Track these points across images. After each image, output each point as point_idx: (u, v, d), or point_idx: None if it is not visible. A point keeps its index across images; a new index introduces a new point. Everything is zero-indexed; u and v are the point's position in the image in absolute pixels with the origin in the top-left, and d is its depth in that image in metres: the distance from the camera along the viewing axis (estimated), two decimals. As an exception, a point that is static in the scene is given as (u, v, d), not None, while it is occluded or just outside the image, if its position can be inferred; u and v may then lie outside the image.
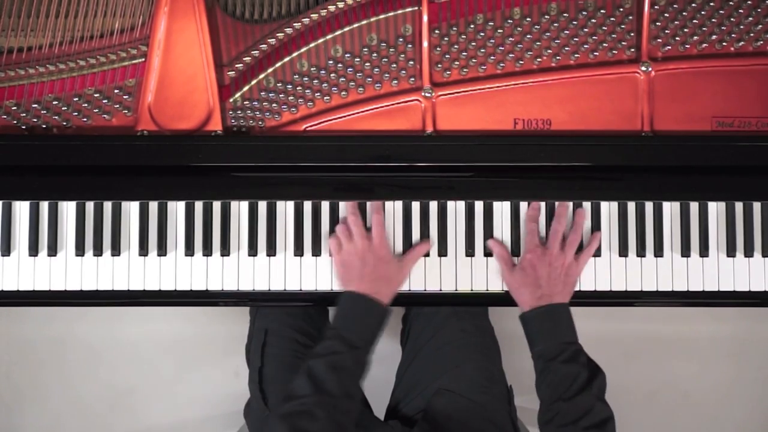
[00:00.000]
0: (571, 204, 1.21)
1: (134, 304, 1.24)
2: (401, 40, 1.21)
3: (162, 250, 1.20)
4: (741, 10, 1.21)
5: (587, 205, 1.21)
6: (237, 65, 1.20)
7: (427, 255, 1.21)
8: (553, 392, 1.06)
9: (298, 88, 1.21)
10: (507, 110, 1.21)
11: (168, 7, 1.19)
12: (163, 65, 1.20)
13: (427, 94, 1.20)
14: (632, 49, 1.21)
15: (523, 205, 1.21)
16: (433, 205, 1.21)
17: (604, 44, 1.21)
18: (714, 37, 1.21)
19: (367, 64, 1.20)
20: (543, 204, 1.21)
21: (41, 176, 1.19)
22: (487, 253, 1.21)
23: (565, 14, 1.20)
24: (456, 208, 1.21)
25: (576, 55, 1.21)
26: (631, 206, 1.22)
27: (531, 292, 1.13)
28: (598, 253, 1.21)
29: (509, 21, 1.20)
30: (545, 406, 1.08)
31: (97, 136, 1.20)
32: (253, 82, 1.20)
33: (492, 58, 1.21)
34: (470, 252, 1.21)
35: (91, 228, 1.21)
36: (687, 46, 1.21)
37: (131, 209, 1.21)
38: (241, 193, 1.20)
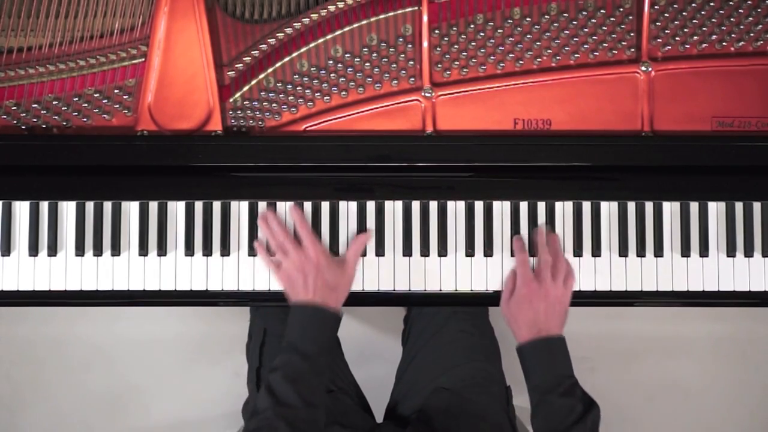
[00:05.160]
0: (543, 230, 1.20)
1: (134, 304, 1.24)
2: (401, 40, 1.21)
3: (162, 250, 1.20)
4: (741, 10, 1.21)
5: (587, 205, 1.21)
6: (237, 65, 1.20)
7: (427, 255, 1.21)
8: (547, 425, 1.07)
9: (298, 88, 1.21)
10: (507, 110, 1.21)
11: (168, 7, 1.19)
12: (163, 65, 1.20)
13: (427, 94, 1.20)
14: (632, 49, 1.21)
15: (523, 205, 1.21)
16: (433, 205, 1.21)
17: (604, 44, 1.21)
18: (714, 37, 1.21)
19: (367, 64, 1.20)
20: (543, 204, 1.21)
21: (41, 176, 1.19)
22: (487, 254, 1.21)
23: (565, 14, 1.20)
24: (456, 208, 1.21)
25: (576, 55, 1.21)
26: (631, 206, 1.22)
27: (529, 327, 1.13)
28: (598, 253, 1.21)
29: (509, 21, 1.20)
30: None
31: (97, 136, 1.20)
32: (253, 82, 1.20)
33: (492, 58, 1.21)
34: (470, 252, 1.21)
35: (91, 228, 1.21)
36: (687, 46, 1.21)
37: (131, 209, 1.21)
38: (241, 193, 1.21)
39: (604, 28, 1.21)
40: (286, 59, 1.20)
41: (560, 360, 1.11)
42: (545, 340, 1.12)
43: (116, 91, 1.20)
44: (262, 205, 1.21)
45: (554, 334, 1.12)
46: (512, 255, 1.20)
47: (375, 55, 1.21)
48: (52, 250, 1.20)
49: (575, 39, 1.21)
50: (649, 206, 1.22)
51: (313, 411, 1.05)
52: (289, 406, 1.03)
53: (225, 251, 1.20)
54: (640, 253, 1.21)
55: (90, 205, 1.21)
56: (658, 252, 1.21)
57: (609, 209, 1.22)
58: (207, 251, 1.21)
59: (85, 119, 1.20)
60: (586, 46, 1.21)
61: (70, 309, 1.84)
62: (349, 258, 1.17)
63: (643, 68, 1.21)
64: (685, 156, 1.19)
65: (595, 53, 1.21)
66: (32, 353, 1.92)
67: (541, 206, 1.21)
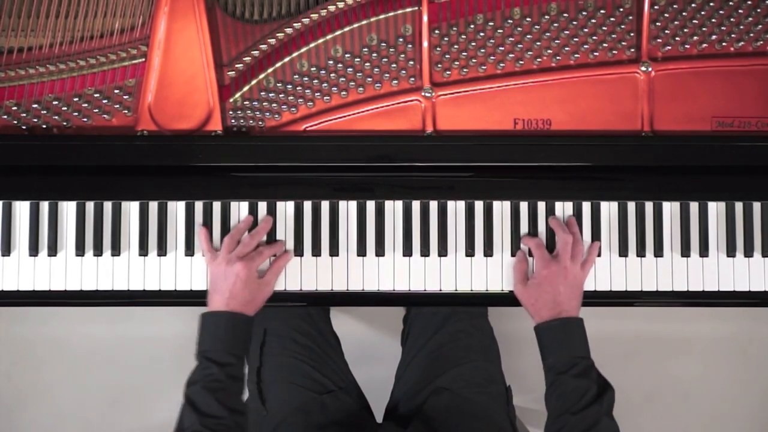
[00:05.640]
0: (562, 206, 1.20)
1: (134, 304, 1.24)
2: (401, 40, 1.21)
3: (162, 250, 1.20)
4: (741, 11, 1.21)
5: (587, 205, 1.21)
6: (237, 65, 1.20)
7: (427, 255, 1.21)
8: (561, 405, 1.07)
9: (298, 88, 1.21)
10: (507, 110, 1.21)
11: (168, 7, 1.19)
12: (163, 65, 1.20)
13: (427, 94, 1.20)
14: (632, 49, 1.21)
15: (523, 205, 1.21)
16: (433, 205, 1.21)
17: (604, 44, 1.21)
18: (714, 37, 1.21)
19: (367, 64, 1.20)
20: (543, 204, 1.21)
21: (41, 176, 1.19)
22: (487, 254, 1.21)
23: (565, 14, 1.20)
24: (456, 208, 1.21)
25: (576, 55, 1.21)
26: (631, 206, 1.22)
27: (550, 308, 1.12)
28: (598, 254, 1.21)
29: (509, 21, 1.20)
30: (552, 418, 1.08)
31: (97, 136, 1.20)
32: (253, 82, 1.20)
33: (492, 58, 1.21)
34: (470, 252, 1.21)
35: (91, 228, 1.21)
36: (687, 46, 1.21)
37: (131, 209, 1.21)
38: (241, 193, 1.21)
39: (604, 28, 1.21)
40: (286, 59, 1.20)
41: (578, 341, 1.11)
42: (564, 320, 1.11)
43: (116, 91, 1.20)
44: (262, 205, 1.21)
45: (573, 315, 1.12)
46: (512, 255, 1.20)
47: (375, 55, 1.21)
48: (53, 250, 1.20)
49: (575, 39, 1.21)
50: (649, 206, 1.22)
51: (238, 418, 1.06)
52: (214, 416, 1.03)
53: (225, 251, 1.20)
54: (640, 253, 1.21)
55: (90, 205, 1.21)
56: (658, 252, 1.21)
57: (609, 209, 1.22)
58: (207, 251, 1.20)
59: (85, 119, 1.20)
60: (586, 46, 1.21)
61: (70, 309, 1.84)
62: (269, 279, 1.17)
63: (643, 68, 1.21)
64: (685, 156, 1.19)
65: (595, 53, 1.21)
66: (32, 353, 1.92)
67: (541, 206, 1.21)
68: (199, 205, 1.21)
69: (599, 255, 1.21)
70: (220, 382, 1.06)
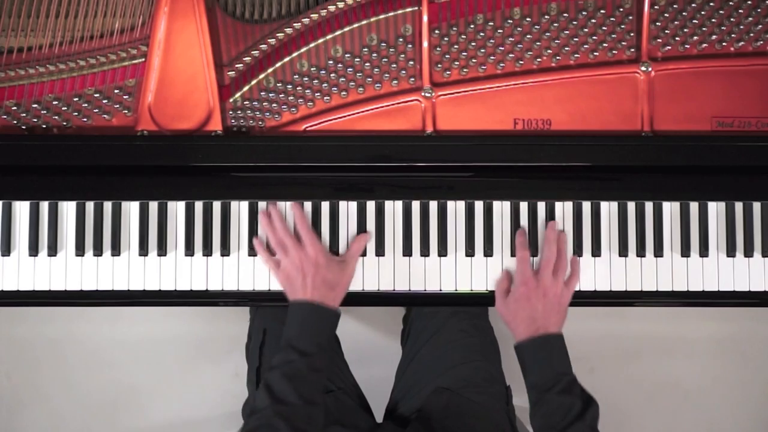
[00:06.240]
0: (555, 226, 1.20)
1: (134, 304, 1.24)
2: (401, 40, 1.21)
3: (162, 250, 1.20)
4: (741, 10, 1.21)
5: (587, 205, 1.21)
6: (237, 65, 1.20)
7: (427, 255, 1.21)
8: (546, 423, 1.07)
9: (298, 88, 1.21)
10: (507, 110, 1.21)
11: (168, 7, 1.19)
12: (163, 65, 1.20)
13: (427, 94, 1.20)
14: (632, 49, 1.21)
15: (523, 205, 1.21)
16: (433, 205, 1.21)
17: (604, 44, 1.21)
18: (714, 37, 1.21)
19: (367, 64, 1.20)
20: (543, 204, 1.21)
21: (41, 176, 1.19)
22: (487, 254, 1.21)
23: (565, 14, 1.20)
24: (456, 208, 1.21)
25: (576, 55, 1.21)
26: (631, 206, 1.22)
27: (527, 325, 1.13)
28: (598, 253, 1.21)
29: (509, 21, 1.20)
30: None
31: (97, 136, 1.20)
32: (253, 82, 1.20)
33: (492, 58, 1.21)
34: (470, 252, 1.21)
35: (91, 228, 1.21)
36: (687, 46, 1.21)
37: (131, 209, 1.21)
38: (241, 193, 1.21)
39: (604, 28, 1.21)
40: (286, 59, 1.20)
41: (558, 358, 1.11)
42: (543, 338, 1.12)
43: (116, 91, 1.20)
44: (262, 205, 1.21)
45: (552, 332, 1.12)
46: (512, 255, 1.20)
47: (375, 55, 1.21)
48: (52, 250, 1.20)
49: (575, 39, 1.21)
50: (649, 206, 1.22)
51: (312, 409, 1.05)
52: (288, 404, 1.03)
53: (225, 251, 1.20)
54: (640, 253, 1.21)
55: (90, 205, 1.21)
56: (658, 252, 1.21)
57: (609, 209, 1.22)
58: (207, 251, 1.21)
59: (85, 119, 1.20)
60: (586, 46, 1.21)
61: (70, 309, 1.84)
62: (350, 257, 1.17)
63: (643, 68, 1.21)
64: (685, 156, 1.19)
65: (595, 53, 1.21)
66: (32, 353, 1.92)
67: (541, 206, 1.21)
68: (199, 205, 1.21)
69: (599, 255, 1.21)
70: (299, 370, 1.06)
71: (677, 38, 1.21)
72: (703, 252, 1.21)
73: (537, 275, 1.15)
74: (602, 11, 1.21)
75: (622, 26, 1.21)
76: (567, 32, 1.21)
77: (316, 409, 1.06)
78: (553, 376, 1.09)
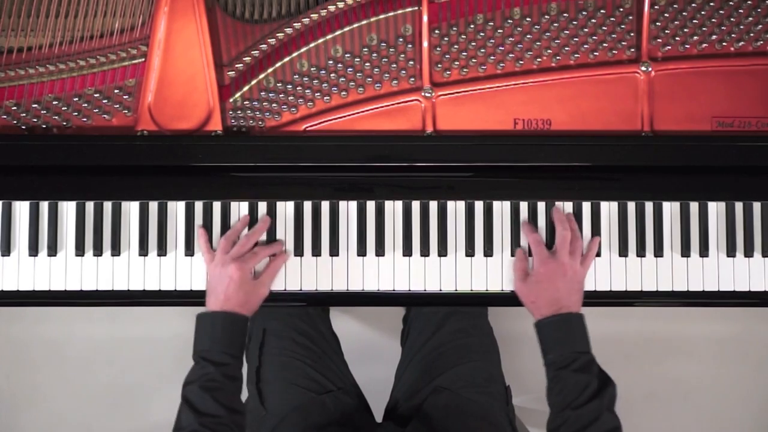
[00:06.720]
0: (562, 205, 1.20)
1: (134, 304, 1.24)
2: (401, 40, 1.21)
3: (162, 250, 1.20)
4: (741, 10, 1.21)
5: (587, 205, 1.21)
6: (237, 65, 1.20)
7: (427, 255, 1.21)
8: (562, 400, 1.06)
9: (298, 88, 1.21)
10: (507, 110, 1.21)
11: (168, 7, 1.19)
12: (163, 65, 1.20)
13: (427, 94, 1.20)
14: (632, 49, 1.21)
15: (523, 205, 1.21)
16: (433, 205, 1.21)
17: (604, 44, 1.21)
18: (714, 37, 1.21)
19: (367, 64, 1.20)
20: (543, 204, 1.21)
21: (41, 176, 1.19)
22: (487, 254, 1.21)
23: (565, 14, 1.20)
24: (456, 208, 1.21)
25: (576, 55, 1.21)
26: (631, 206, 1.22)
27: (549, 305, 1.12)
28: (598, 253, 1.21)
29: (509, 21, 1.20)
30: (554, 413, 1.08)
31: (97, 136, 1.20)
32: (253, 82, 1.20)
33: (492, 58, 1.21)
34: (470, 252, 1.21)
35: (91, 228, 1.21)
36: (687, 46, 1.21)
37: (131, 209, 1.21)
38: (241, 193, 1.21)
39: (604, 28, 1.21)
40: (286, 59, 1.20)
41: (578, 336, 1.11)
42: (564, 315, 1.11)
43: (116, 91, 1.20)
44: (262, 205, 1.21)
45: (574, 310, 1.12)
46: (512, 255, 1.20)
47: (375, 55, 1.21)
48: (52, 250, 1.20)
49: (575, 39, 1.21)
50: (649, 206, 1.22)
51: (237, 417, 1.06)
52: (212, 415, 1.03)
53: (225, 251, 1.20)
54: (640, 253, 1.21)
55: (90, 205, 1.21)
56: (658, 252, 1.21)
57: (609, 209, 1.22)
58: (207, 251, 1.20)
59: (85, 119, 1.20)
60: (586, 46, 1.21)
61: (69, 309, 1.84)
62: (264, 280, 1.17)
63: (643, 68, 1.21)
64: (685, 156, 1.19)
65: (595, 53, 1.21)
66: (30, 353, 1.91)
67: (541, 206, 1.21)
68: (199, 205, 1.21)
69: (599, 254, 1.21)
70: (217, 381, 1.06)
71: (677, 38, 1.21)
72: (704, 252, 1.21)
73: (554, 255, 1.15)
74: (602, 11, 1.21)
75: (622, 26, 1.21)
76: (567, 32, 1.21)
77: (240, 417, 1.07)
78: (571, 353, 1.09)
